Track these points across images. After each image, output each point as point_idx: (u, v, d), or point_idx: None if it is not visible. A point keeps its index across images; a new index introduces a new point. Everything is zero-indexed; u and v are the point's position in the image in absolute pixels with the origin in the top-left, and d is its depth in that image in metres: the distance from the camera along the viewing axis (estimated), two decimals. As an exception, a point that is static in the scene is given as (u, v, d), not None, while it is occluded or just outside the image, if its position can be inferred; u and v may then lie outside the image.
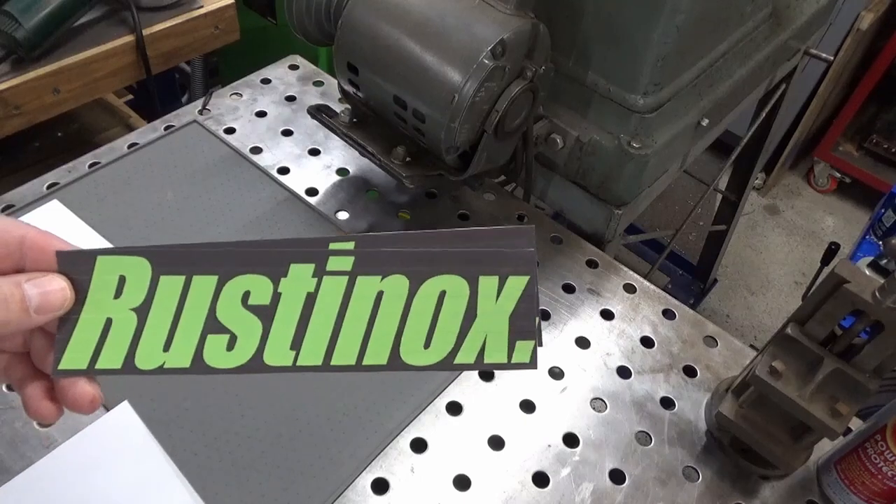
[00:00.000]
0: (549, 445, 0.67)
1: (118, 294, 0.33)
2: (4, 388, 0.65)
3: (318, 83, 1.02)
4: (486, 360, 0.34)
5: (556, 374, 0.73)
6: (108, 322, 0.34)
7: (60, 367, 0.34)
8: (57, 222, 0.79)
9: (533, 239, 0.34)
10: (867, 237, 1.93)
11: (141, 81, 1.12)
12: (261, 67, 1.03)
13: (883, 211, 1.90)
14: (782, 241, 2.31)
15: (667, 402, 0.71)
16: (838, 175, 2.43)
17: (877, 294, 0.55)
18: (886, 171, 2.34)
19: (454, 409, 0.69)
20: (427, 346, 0.34)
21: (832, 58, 1.21)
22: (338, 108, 0.81)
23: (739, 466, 0.67)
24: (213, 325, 0.33)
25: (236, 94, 0.98)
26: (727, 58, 0.91)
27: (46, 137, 1.28)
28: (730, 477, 0.66)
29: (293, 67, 1.04)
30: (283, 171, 0.89)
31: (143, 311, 0.33)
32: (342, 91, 0.79)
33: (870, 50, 2.20)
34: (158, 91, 1.15)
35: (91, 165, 0.86)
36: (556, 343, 0.75)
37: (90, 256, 0.34)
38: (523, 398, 0.70)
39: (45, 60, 0.99)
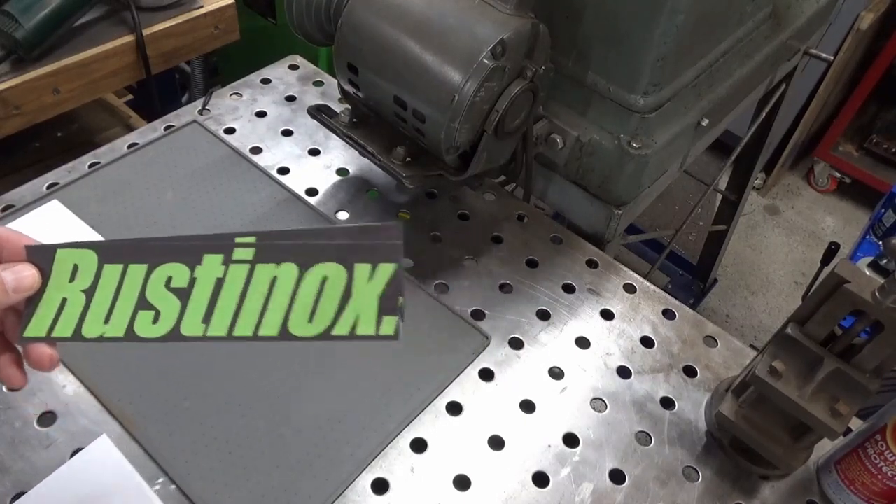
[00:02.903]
0: (549, 445, 0.67)
1: (72, 279, 0.42)
2: (4, 389, 0.65)
3: (318, 83, 1.02)
4: (358, 333, 0.41)
5: (556, 374, 0.73)
6: (64, 301, 0.42)
7: (25, 334, 0.42)
8: (57, 222, 0.79)
9: (400, 233, 0.43)
10: (867, 237, 1.93)
11: (141, 81, 1.12)
12: (261, 67, 1.03)
13: (883, 211, 1.90)
14: (782, 241, 2.31)
15: (667, 402, 0.71)
16: (838, 175, 2.43)
17: (877, 294, 0.55)
18: (886, 171, 2.34)
19: (454, 409, 0.69)
20: (310, 321, 0.41)
21: (832, 58, 1.20)
22: (338, 108, 0.81)
23: (739, 466, 0.67)
24: (142, 303, 0.42)
25: (236, 94, 0.98)
26: (727, 58, 0.91)
27: (46, 137, 1.28)
28: (730, 477, 0.66)
29: (293, 67, 1.04)
30: (283, 171, 0.89)
31: (90, 292, 0.42)
32: (342, 91, 0.79)
33: (870, 50, 2.20)
34: (158, 91, 1.15)
35: (91, 165, 0.86)
36: (556, 343, 0.75)
37: (51, 250, 0.43)
38: (523, 398, 0.70)
39: (45, 60, 0.99)
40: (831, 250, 1.20)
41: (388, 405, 0.68)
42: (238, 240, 0.42)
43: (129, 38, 1.05)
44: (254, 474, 0.62)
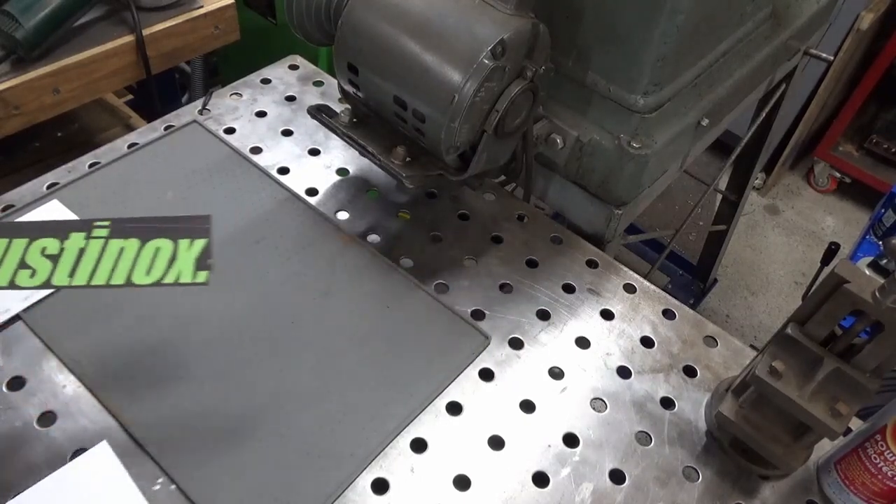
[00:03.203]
0: (549, 445, 0.67)
1: None
2: (4, 388, 0.65)
3: (318, 83, 1.02)
4: (181, 281, 0.57)
5: (556, 374, 0.73)
6: None
7: None
8: (57, 222, 0.79)
9: (208, 220, 0.60)
10: (867, 237, 1.93)
11: (141, 81, 1.12)
12: (261, 67, 1.03)
13: (883, 211, 1.90)
14: (782, 241, 2.31)
15: (667, 402, 0.71)
16: (838, 175, 2.43)
17: (877, 294, 0.55)
18: (886, 171, 2.34)
19: (454, 409, 0.69)
20: (147, 274, 0.57)
21: (832, 58, 1.21)
22: (338, 108, 0.81)
23: (739, 466, 0.67)
24: (22, 264, 0.56)
25: (236, 94, 0.98)
26: (727, 58, 0.91)
27: (46, 137, 1.28)
28: (730, 477, 0.66)
29: (293, 67, 1.04)
30: (283, 171, 0.89)
31: None
32: (342, 91, 0.79)
33: (870, 50, 2.20)
34: (158, 91, 1.15)
35: (91, 165, 0.86)
36: (556, 343, 0.75)
37: None
38: (523, 398, 0.70)
39: (45, 60, 0.99)
40: (831, 250, 1.20)
41: (388, 405, 0.68)
42: (96, 223, 0.59)
43: (129, 38, 1.05)
44: (254, 474, 0.62)
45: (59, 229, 0.58)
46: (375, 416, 0.67)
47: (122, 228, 0.59)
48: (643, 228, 1.92)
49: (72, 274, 0.57)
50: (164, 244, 0.59)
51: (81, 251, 0.58)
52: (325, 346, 0.71)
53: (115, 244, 0.58)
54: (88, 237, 0.58)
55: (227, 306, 0.74)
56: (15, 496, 0.58)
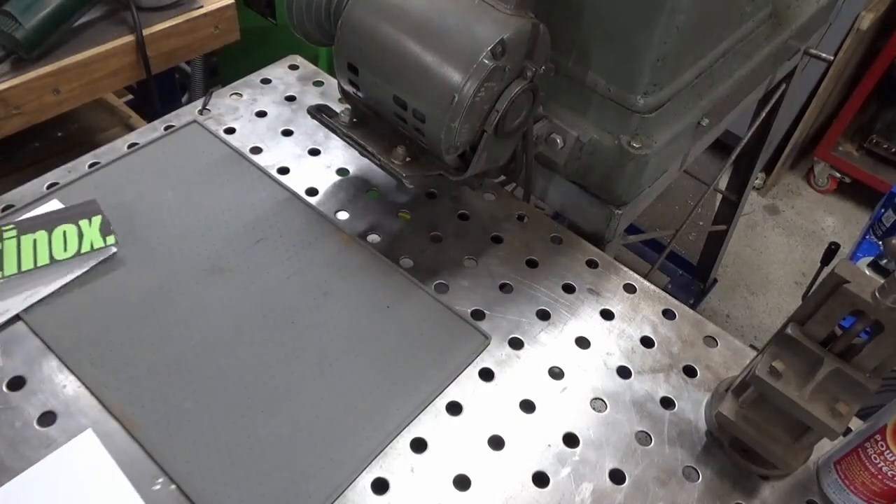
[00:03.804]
0: (549, 445, 0.67)
1: None
2: (4, 388, 0.65)
3: (318, 83, 1.02)
4: (95, 247, 0.71)
5: (556, 374, 0.73)
6: None
7: None
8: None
9: (96, 203, 0.76)
10: (867, 237, 1.93)
11: (141, 81, 1.12)
12: (261, 67, 1.03)
13: (883, 211, 1.90)
14: (782, 241, 2.31)
15: (667, 402, 0.71)
16: (838, 175, 2.43)
17: (877, 294, 0.55)
18: (886, 171, 2.34)
19: (454, 409, 0.69)
20: (65, 251, 0.71)
21: (832, 58, 1.21)
22: (338, 108, 0.81)
23: (739, 466, 0.67)
24: None
25: (236, 94, 0.98)
26: (727, 58, 0.91)
27: (46, 137, 1.28)
28: (730, 477, 0.66)
29: (293, 67, 1.04)
30: (283, 171, 0.89)
31: None
32: (342, 91, 0.79)
33: (870, 50, 2.20)
34: (158, 91, 1.15)
35: (91, 165, 0.86)
36: (556, 343, 0.75)
37: None
38: (523, 398, 0.70)
39: (45, 60, 0.99)
40: (831, 250, 1.20)
41: (388, 405, 0.68)
42: (3, 227, 0.72)
43: (129, 38, 1.05)
44: (254, 474, 0.62)
45: None
46: (375, 416, 0.67)
47: (27, 226, 0.72)
48: (643, 228, 1.92)
49: (0, 268, 0.69)
50: (69, 227, 0.73)
51: (0, 252, 0.70)
52: (325, 346, 0.71)
53: (27, 239, 0.71)
54: (1, 240, 0.71)
55: (227, 306, 0.74)
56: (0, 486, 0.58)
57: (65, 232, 0.72)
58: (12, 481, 0.59)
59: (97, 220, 0.73)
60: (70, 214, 0.73)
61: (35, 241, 0.71)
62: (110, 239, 0.72)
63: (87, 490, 0.60)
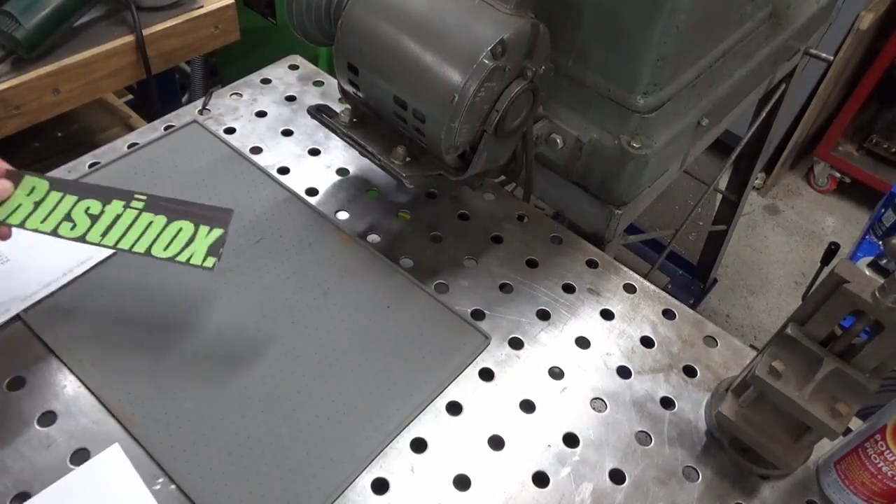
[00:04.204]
0: (549, 445, 0.67)
1: (29, 193, 0.65)
2: (4, 388, 0.65)
3: (318, 83, 1.02)
4: (191, 262, 0.64)
5: (556, 374, 0.73)
6: (18, 205, 0.64)
7: None
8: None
9: (229, 215, 0.67)
10: (867, 237, 1.93)
11: (141, 81, 1.12)
12: (261, 67, 1.03)
13: (883, 211, 1.90)
14: (782, 241, 2.31)
15: (667, 402, 0.71)
16: (838, 175, 2.43)
17: (877, 294, 0.55)
18: (886, 171, 2.34)
19: (454, 409, 0.69)
20: (165, 249, 0.65)
21: (832, 58, 1.20)
22: (338, 108, 0.81)
23: (739, 466, 0.67)
24: (67, 218, 0.64)
25: (236, 94, 0.98)
26: (727, 58, 0.91)
27: (46, 137, 1.28)
28: (730, 477, 0.66)
29: (293, 67, 1.04)
30: (283, 171, 0.89)
31: (38, 203, 0.64)
32: (342, 91, 0.79)
33: (870, 50, 2.20)
34: (158, 91, 1.15)
35: (91, 165, 0.86)
36: (556, 343, 0.75)
37: (20, 175, 0.65)
38: (523, 398, 0.70)
39: (45, 60, 0.99)
40: (831, 250, 1.20)
41: (388, 405, 0.68)
42: (136, 195, 0.67)
43: (129, 38, 1.05)
44: (254, 474, 0.62)
45: (104, 194, 0.66)
46: (375, 416, 0.67)
47: (155, 204, 0.67)
48: (643, 228, 1.91)
49: (104, 234, 0.65)
50: (187, 226, 0.66)
51: (118, 217, 0.66)
52: (325, 345, 0.71)
53: (146, 217, 0.66)
54: (127, 206, 0.66)
55: (228, 306, 0.74)
56: (19, 496, 0.58)
57: (180, 230, 0.65)
58: (37, 496, 0.59)
59: (216, 234, 0.65)
60: (199, 214, 0.66)
61: (151, 223, 0.65)
62: (209, 262, 0.64)
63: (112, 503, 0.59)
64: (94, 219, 0.65)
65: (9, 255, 0.75)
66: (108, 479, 0.60)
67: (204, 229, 0.66)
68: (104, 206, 0.66)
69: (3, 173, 0.64)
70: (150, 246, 0.65)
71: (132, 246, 0.64)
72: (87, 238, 0.64)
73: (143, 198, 0.67)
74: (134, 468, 0.61)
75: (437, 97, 0.66)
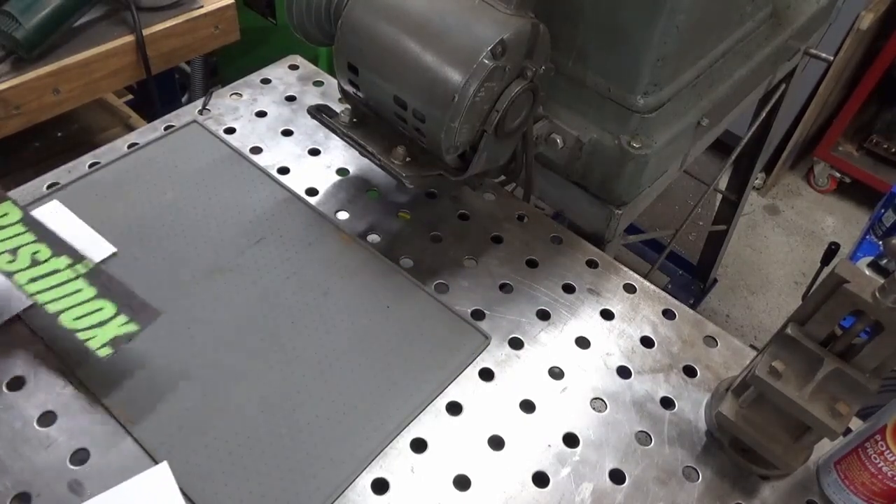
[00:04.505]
0: (549, 445, 0.67)
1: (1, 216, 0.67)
2: (4, 388, 0.65)
3: (318, 83, 1.02)
4: (88, 344, 0.61)
5: (556, 374, 0.73)
6: None
7: None
8: (57, 222, 0.78)
9: (155, 316, 0.65)
10: (867, 237, 1.93)
11: (141, 81, 1.12)
12: (261, 67, 1.03)
13: (883, 211, 1.90)
14: (782, 241, 2.31)
15: (667, 402, 0.71)
16: (838, 175, 2.43)
17: (877, 294, 0.55)
18: (886, 171, 2.34)
19: (454, 409, 0.69)
20: (75, 320, 0.62)
21: (832, 58, 1.21)
22: (338, 108, 0.81)
23: (739, 466, 0.67)
24: (12, 252, 0.64)
25: (236, 94, 0.98)
26: (727, 58, 0.91)
27: (46, 137, 1.28)
28: (730, 477, 0.66)
29: (293, 67, 1.04)
30: (283, 171, 0.89)
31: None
32: (342, 91, 0.79)
33: (870, 50, 2.20)
34: (158, 91, 1.15)
35: (91, 165, 0.86)
36: (556, 343, 0.75)
37: (3, 196, 0.69)
38: (523, 398, 0.70)
39: (45, 60, 0.99)
40: (831, 250, 1.20)
41: (388, 405, 0.68)
42: (85, 260, 0.67)
43: (129, 38, 1.05)
44: (254, 474, 0.62)
45: (60, 247, 0.67)
46: (375, 416, 0.67)
47: (96, 275, 0.66)
48: (643, 228, 1.92)
49: (33, 280, 0.64)
50: (108, 308, 0.64)
51: (55, 271, 0.65)
52: (325, 345, 0.71)
53: (80, 283, 0.65)
54: (70, 266, 0.66)
55: (227, 306, 0.74)
56: (19, 496, 0.58)
57: (101, 308, 0.64)
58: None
59: (130, 327, 0.63)
60: (129, 302, 0.64)
61: (80, 290, 0.64)
62: (104, 351, 0.61)
63: None
64: (35, 263, 0.65)
65: (9, 255, 0.75)
66: (151, 497, 0.60)
67: (122, 318, 0.64)
68: (52, 256, 0.66)
69: None
70: (63, 311, 0.63)
71: (47, 303, 0.63)
72: (15, 277, 0.64)
73: (91, 265, 0.67)
74: (179, 489, 0.60)
75: (438, 97, 0.66)
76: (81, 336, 0.62)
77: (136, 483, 0.60)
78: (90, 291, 0.64)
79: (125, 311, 0.64)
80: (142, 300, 0.65)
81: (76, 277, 0.65)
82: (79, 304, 0.63)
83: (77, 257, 0.66)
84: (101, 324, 0.63)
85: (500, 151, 0.77)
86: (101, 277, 0.66)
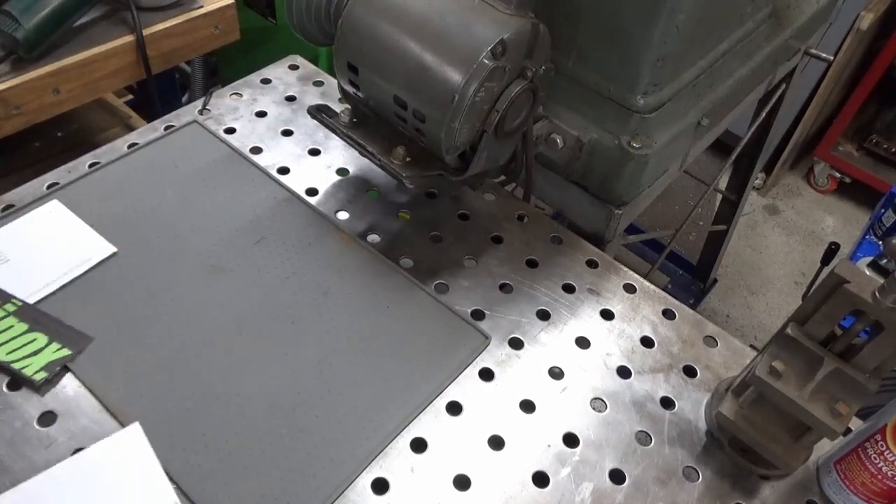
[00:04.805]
0: (549, 445, 0.67)
1: None
2: (4, 388, 0.65)
3: (318, 83, 1.02)
4: (23, 371, 0.65)
5: (556, 374, 0.73)
6: None
7: None
8: (57, 222, 0.79)
9: (86, 343, 0.68)
10: (867, 237, 1.93)
11: (141, 81, 1.12)
12: (261, 67, 1.03)
13: (883, 211, 1.90)
14: (782, 241, 2.31)
15: (667, 402, 0.71)
16: (838, 175, 2.43)
17: (877, 294, 0.55)
18: (886, 171, 2.34)
19: (454, 409, 0.69)
20: (8, 354, 0.66)
21: (832, 58, 1.20)
22: (338, 108, 0.81)
23: (739, 466, 0.67)
24: None
25: (236, 94, 0.98)
26: (727, 58, 0.91)
27: (46, 137, 1.28)
28: (730, 477, 0.66)
29: (293, 67, 1.04)
30: (283, 171, 0.89)
31: None
32: (342, 91, 0.79)
33: (870, 50, 2.20)
34: (158, 91, 1.15)
35: (91, 165, 0.86)
36: (556, 343, 0.75)
37: None
38: (523, 398, 0.70)
39: (45, 60, 0.99)
40: (831, 250, 1.20)
41: (388, 405, 0.68)
42: (13, 300, 0.70)
43: (129, 38, 1.05)
44: (254, 474, 0.62)
45: None
46: (375, 416, 0.67)
47: (26, 312, 0.69)
48: (643, 228, 1.92)
49: None
50: (41, 339, 0.68)
51: None
52: (324, 345, 0.71)
53: (10, 321, 0.68)
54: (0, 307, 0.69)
55: (227, 306, 0.74)
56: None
57: (34, 340, 0.67)
58: (55, 467, 0.60)
59: (63, 353, 0.67)
60: (60, 331, 0.68)
61: (11, 327, 0.68)
62: (39, 375, 0.65)
63: (127, 484, 0.60)
64: None
65: (9, 255, 0.75)
66: (125, 457, 0.61)
67: (55, 345, 0.67)
68: None
69: None
70: None
71: None
72: None
73: (19, 304, 0.70)
74: (152, 448, 0.62)
75: (437, 97, 0.66)
76: (16, 366, 0.66)
77: (107, 444, 0.61)
78: (22, 326, 0.68)
79: (57, 339, 0.68)
80: (75, 330, 0.69)
81: (7, 315, 0.69)
82: (11, 339, 0.67)
83: (5, 298, 0.70)
84: (35, 353, 0.67)
85: (500, 151, 0.77)
86: (31, 313, 0.69)
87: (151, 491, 0.60)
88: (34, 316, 0.69)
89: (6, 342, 0.67)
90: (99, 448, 0.61)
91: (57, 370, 0.66)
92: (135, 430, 0.63)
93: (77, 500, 0.59)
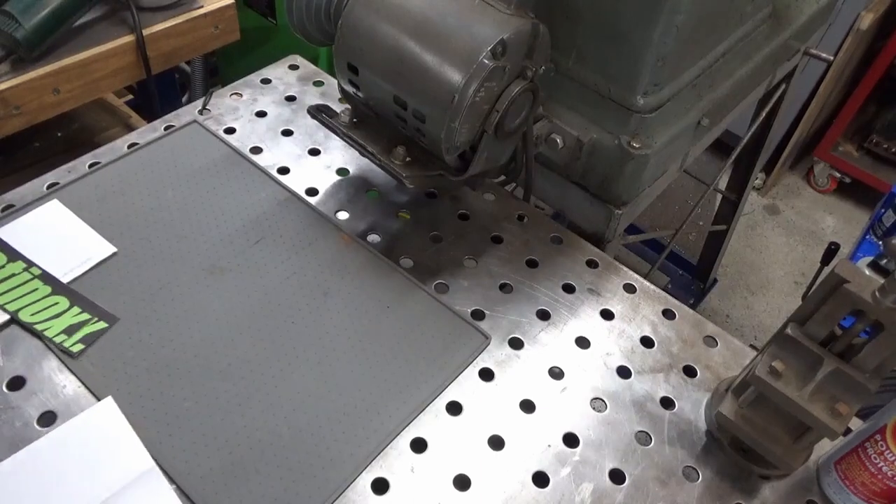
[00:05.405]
0: (549, 445, 0.67)
1: None
2: (4, 388, 0.65)
3: (318, 83, 1.02)
4: (47, 333, 0.68)
5: (556, 374, 0.73)
6: None
7: None
8: (57, 222, 0.79)
9: (112, 321, 0.70)
10: (867, 237, 1.93)
11: (141, 81, 1.12)
12: (261, 67, 1.03)
13: (883, 211, 1.90)
14: (782, 241, 2.31)
15: (667, 402, 0.71)
16: (838, 175, 2.43)
17: (877, 294, 0.55)
18: (886, 171, 2.34)
19: (454, 408, 0.69)
20: (33, 315, 0.69)
21: (832, 58, 1.21)
22: (338, 108, 0.81)
23: (739, 466, 0.67)
24: None
25: (236, 94, 0.98)
26: (727, 58, 0.91)
27: (46, 137, 1.28)
28: (730, 477, 0.66)
29: (293, 67, 1.04)
30: (283, 171, 0.89)
31: None
32: (342, 91, 0.79)
33: (870, 50, 2.20)
34: (158, 91, 1.15)
35: (91, 165, 0.86)
36: (556, 343, 0.75)
37: None
38: (523, 398, 0.70)
39: (45, 60, 0.99)
40: (831, 250, 1.20)
41: (388, 405, 0.68)
42: (34, 266, 0.73)
43: (129, 38, 1.06)
44: (254, 474, 0.62)
45: (13, 254, 0.74)
46: (375, 416, 0.67)
47: (48, 277, 0.72)
48: (643, 228, 1.92)
49: None
50: (63, 301, 0.71)
51: (13, 275, 0.72)
52: (325, 345, 0.71)
53: (35, 283, 0.71)
54: (26, 269, 0.73)
55: (227, 306, 0.74)
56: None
57: (56, 303, 0.70)
58: (32, 445, 0.61)
59: (84, 318, 0.69)
60: (84, 301, 0.71)
61: (36, 289, 0.71)
62: (76, 347, 0.67)
63: (105, 454, 0.61)
64: None
65: (9, 255, 0.75)
66: (101, 432, 0.62)
67: (76, 310, 0.70)
68: (7, 262, 0.73)
69: None
70: (20, 309, 0.69)
71: (5, 304, 0.69)
72: None
73: (39, 271, 0.73)
74: (127, 421, 0.63)
75: (437, 97, 0.66)
76: (39, 328, 0.68)
77: (82, 419, 0.63)
78: (46, 289, 0.71)
79: (78, 304, 0.71)
80: (92, 302, 0.71)
81: (32, 279, 0.72)
82: (36, 302, 0.70)
83: (29, 263, 0.73)
84: (56, 316, 0.69)
85: (500, 151, 0.77)
86: (53, 279, 0.72)
87: (129, 458, 0.61)
88: (55, 282, 0.72)
89: (31, 304, 0.70)
90: (73, 423, 0.63)
91: (93, 342, 0.68)
92: (108, 403, 0.64)
93: (57, 474, 0.60)
